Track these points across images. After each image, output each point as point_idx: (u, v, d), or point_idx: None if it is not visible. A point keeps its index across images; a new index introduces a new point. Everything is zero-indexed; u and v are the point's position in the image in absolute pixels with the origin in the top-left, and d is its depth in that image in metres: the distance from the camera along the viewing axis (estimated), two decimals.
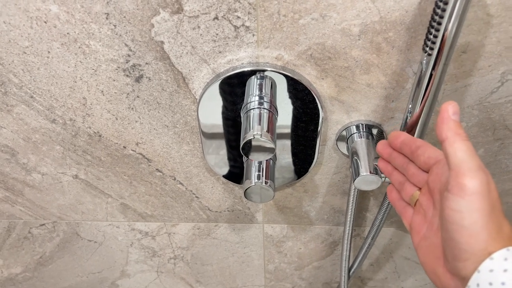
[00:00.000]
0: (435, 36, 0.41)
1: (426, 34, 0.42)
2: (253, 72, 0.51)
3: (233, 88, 0.53)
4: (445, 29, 0.40)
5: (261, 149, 0.49)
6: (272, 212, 0.73)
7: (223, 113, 0.55)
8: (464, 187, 0.32)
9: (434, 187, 0.38)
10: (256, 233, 0.78)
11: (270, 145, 0.48)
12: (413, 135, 0.50)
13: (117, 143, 0.62)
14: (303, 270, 0.86)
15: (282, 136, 0.58)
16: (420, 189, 0.42)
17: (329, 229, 0.76)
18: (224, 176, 0.64)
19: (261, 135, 0.48)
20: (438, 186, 0.38)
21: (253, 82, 0.52)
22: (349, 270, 0.76)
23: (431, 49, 0.42)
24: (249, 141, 0.48)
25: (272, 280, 0.90)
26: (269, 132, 0.49)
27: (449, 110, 0.35)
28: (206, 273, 0.89)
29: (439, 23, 0.40)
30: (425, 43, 0.42)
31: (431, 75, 0.44)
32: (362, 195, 0.69)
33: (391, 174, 0.46)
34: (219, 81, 0.52)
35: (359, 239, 0.78)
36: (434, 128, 0.57)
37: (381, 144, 0.47)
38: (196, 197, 0.71)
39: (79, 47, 0.50)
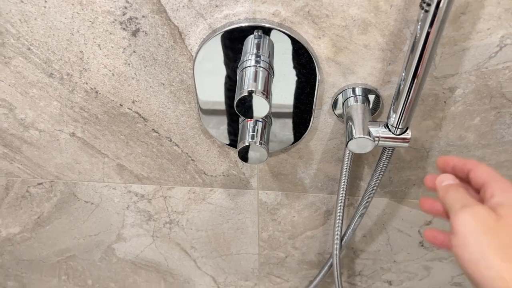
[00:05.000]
0: None
1: None
2: (250, 28, 0.50)
3: (230, 45, 0.52)
4: None
5: (256, 106, 0.49)
6: (267, 178, 0.73)
7: (219, 71, 0.55)
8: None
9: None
10: (250, 200, 0.79)
11: (265, 102, 0.48)
12: (408, 97, 0.49)
13: (113, 101, 0.62)
14: (296, 239, 0.87)
15: (277, 98, 0.58)
16: None
17: (323, 197, 0.76)
18: (220, 139, 0.65)
19: (255, 91, 0.48)
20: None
21: (251, 40, 0.52)
22: (341, 239, 0.77)
23: (428, 5, 0.41)
24: (244, 98, 0.48)
25: (266, 248, 0.91)
26: (264, 90, 0.49)
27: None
28: (200, 239, 0.90)
29: None
30: None
31: (428, 33, 0.43)
32: (356, 163, 0.69)
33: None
34: (216, 37, 0.51)
35: (352, 209, 0.78)
36: (429, 94, 0.56)
37: (431, 177, 0.46)
38: (192, 160, 0.71)
39: None
